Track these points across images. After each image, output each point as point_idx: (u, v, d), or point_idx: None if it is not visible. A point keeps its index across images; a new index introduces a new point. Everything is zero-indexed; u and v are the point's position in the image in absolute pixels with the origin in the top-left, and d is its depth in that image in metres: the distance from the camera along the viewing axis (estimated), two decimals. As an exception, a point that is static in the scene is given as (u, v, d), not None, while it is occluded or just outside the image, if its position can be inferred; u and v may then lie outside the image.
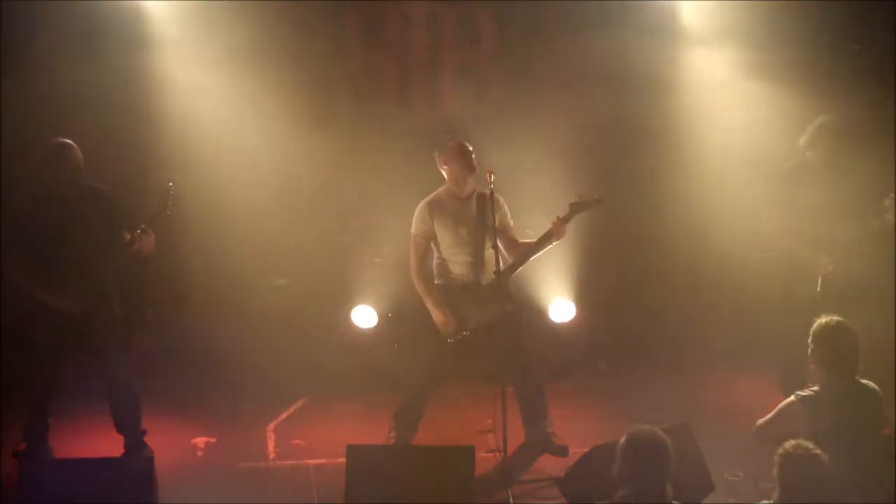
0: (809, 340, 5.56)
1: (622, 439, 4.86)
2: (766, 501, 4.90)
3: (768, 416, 5.64)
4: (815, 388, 5.52)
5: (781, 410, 5.58)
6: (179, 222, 7.09)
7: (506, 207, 6.91)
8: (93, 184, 6.66)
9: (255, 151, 8.31)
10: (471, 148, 6.81)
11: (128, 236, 6.53)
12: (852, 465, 5.15)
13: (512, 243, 6.82)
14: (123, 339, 6.76)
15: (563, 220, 6.69)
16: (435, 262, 6.93)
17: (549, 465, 6.79)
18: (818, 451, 4.77)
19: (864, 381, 5.53)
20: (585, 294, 8.03)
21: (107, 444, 6.77)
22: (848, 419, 5.37)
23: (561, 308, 7.97)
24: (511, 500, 6.33)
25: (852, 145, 6.98)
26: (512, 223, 6.92)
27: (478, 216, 6.81)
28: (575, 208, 6.74)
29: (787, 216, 7.00)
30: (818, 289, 6.88)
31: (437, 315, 6.75)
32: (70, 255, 6.51)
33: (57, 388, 6.71)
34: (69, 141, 6.57)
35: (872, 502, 5.19)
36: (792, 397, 5.55)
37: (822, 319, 5.58)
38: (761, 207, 7.20)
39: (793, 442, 4.83)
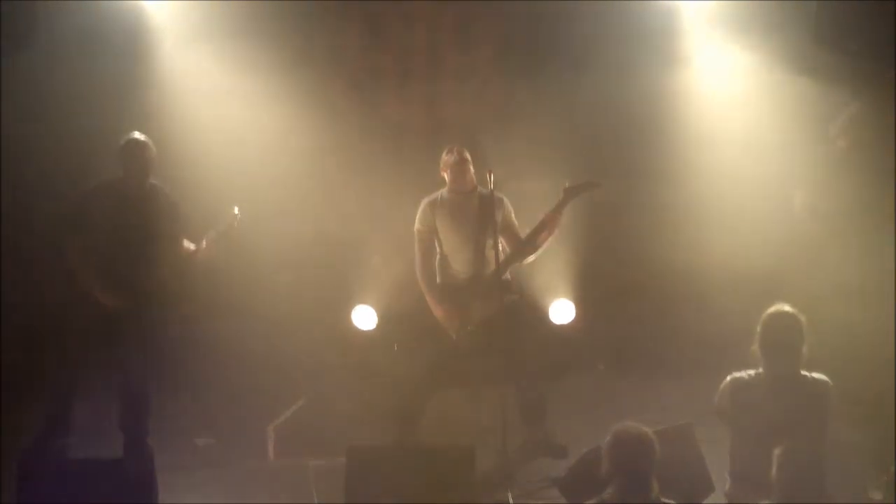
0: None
1: (607, 437, 4.87)
2: (765, 501, 4.90)
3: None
4: (751, 371, 5.48)
5: (720, 389, 5.56)
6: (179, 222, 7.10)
7: (509, 206, 6.91)
8: (160, 185, 6.69)
9: (254, 151, 8.30)
10: (467, 156, 6.81)
11: (192, 246, 6.60)
12: (784, 458, 4.99)
13: (517, 241, 6.82)
14: (148, 338, 6.77)
15: (559, 207, 6.68)
16: (437, 259, 6.93)
17: (549, 466, 6.79)
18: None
19: (811, 373, 5.40)
20: (585, 294, 8.02)
21: (107, 444, 6.77)
22: (783, 411, 5.28)
23: (561, 308, 7.96)
24: (511, 501, 6.33)
25: (884, 134, 6.94)
26: (516, 222, 6.91)
27: (479, 213, 6.82)
28: (570, 193, 6.73)
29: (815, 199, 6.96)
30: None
31: (438, 311, 6.76)
32: (127, 253, 6.53)
33: (79, 384, 6.71)
34: (144, 138, 6.60)
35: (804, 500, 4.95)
36: (728, 377, 5.53)
37: (773, 307, 5.52)
38: (791, 189, 7.15)
39: (790, 444, 4.82)
